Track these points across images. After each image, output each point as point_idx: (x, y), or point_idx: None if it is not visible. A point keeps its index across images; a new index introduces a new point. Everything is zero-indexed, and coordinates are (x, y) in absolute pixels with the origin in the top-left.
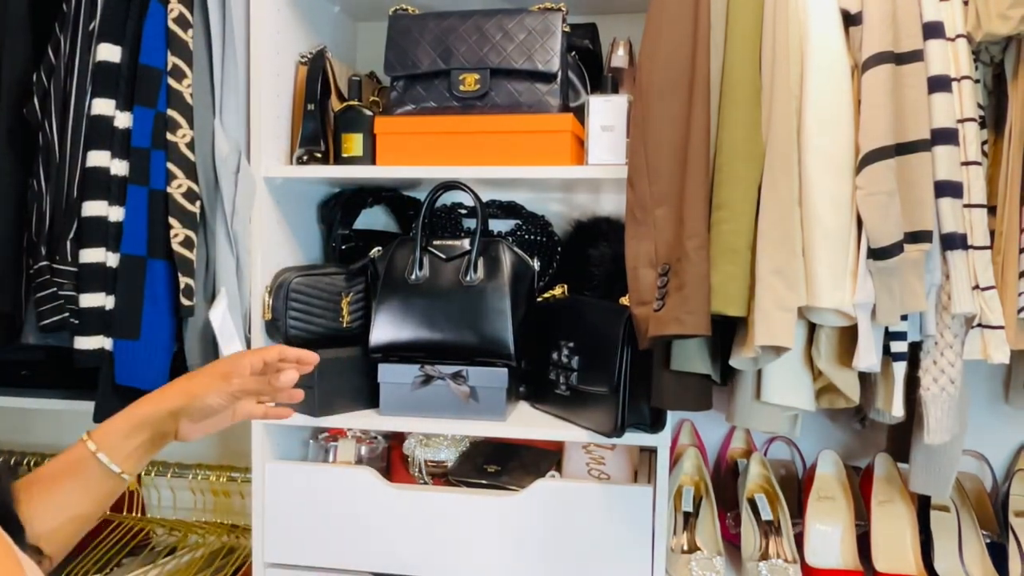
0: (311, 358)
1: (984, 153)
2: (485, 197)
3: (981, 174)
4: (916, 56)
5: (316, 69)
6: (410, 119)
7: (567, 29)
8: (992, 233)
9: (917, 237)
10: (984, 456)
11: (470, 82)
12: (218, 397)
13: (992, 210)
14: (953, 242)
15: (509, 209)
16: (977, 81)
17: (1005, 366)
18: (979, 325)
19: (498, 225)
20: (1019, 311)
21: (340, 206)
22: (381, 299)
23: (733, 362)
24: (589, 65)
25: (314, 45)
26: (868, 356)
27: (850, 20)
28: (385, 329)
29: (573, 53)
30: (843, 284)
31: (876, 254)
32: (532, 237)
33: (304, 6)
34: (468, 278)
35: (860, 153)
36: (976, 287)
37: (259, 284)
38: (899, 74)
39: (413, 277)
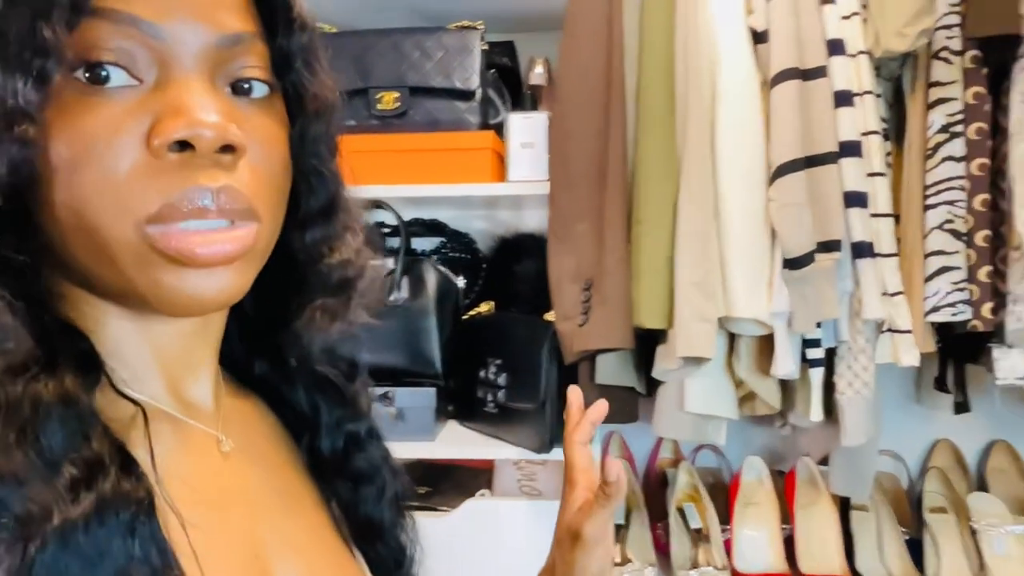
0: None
1: (888, 164)
2: (408, 216)
3: (886, 184)
4: (821, 72)
5: None
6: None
7: (485, 47)
8: (899, 241)
9: (828, 246)
10: (899, 455)
11: (388, 100)
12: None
13: (898, 219)
14: (862, 250)
15: (433, 227)
16: (879, 95)
17: (916, 368)
18: (889, 330)
19: (422, 244)
20: (926, 315)
21: None
22: None
23: (656, 373)
24: (508, 83)
25: None
26: (785, 364)
27: (758, 38)
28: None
29: (492, 71)
30: (759, 294)
31: (790, 264)
32: (457, 255)
33: None
34: (392, 298)
35: (772, 166)
36: (885, 293)
37: None
38: (805, 89)
39: None
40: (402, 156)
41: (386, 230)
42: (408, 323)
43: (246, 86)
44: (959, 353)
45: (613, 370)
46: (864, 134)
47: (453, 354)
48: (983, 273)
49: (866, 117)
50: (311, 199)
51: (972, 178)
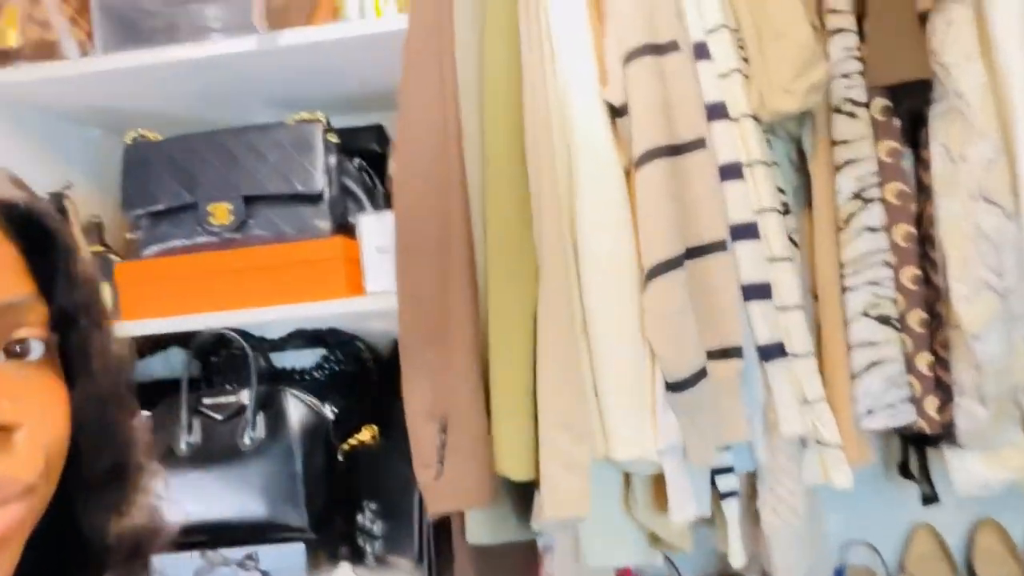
0: None
1: (794, 242)
2: (289, 327)
3: (790, 269)
4: (699, 144)
5: None
6: (157, 262)
7: (334, 140)
8: (817, 334)
9: (727, 353)
10: (873, 546)
11: (221, 214)
12: None
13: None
14: (770, 352)
15: (314, 339)
16: (774, 163)
17: (881, 440)
18: (817, 442)
19: (303, 358)
20: (858, 421)
21: None
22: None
23: (535, 526)
24: (380, 171)
25: (60, 181)
26: (684, 507)
27: (616, 112)
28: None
29: (357, 160)
30: (643, 427)
31: (672, 387)
32: (342, 367)
33: (46, 136)
34: (247, 440)
35: (643, 269)
36: (804, 400)
37: None
38: (680, 168)
39: (182, 446)
40: (242, 275)
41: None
42: (267, 468)
43: (20, 348)
44: (919, 439)
45: (485, 527)
46: (759, 212)
47: (330, 494)
48: (923, 363)
49: (759, 191)
50: (96, 461)
51: (897, 249)
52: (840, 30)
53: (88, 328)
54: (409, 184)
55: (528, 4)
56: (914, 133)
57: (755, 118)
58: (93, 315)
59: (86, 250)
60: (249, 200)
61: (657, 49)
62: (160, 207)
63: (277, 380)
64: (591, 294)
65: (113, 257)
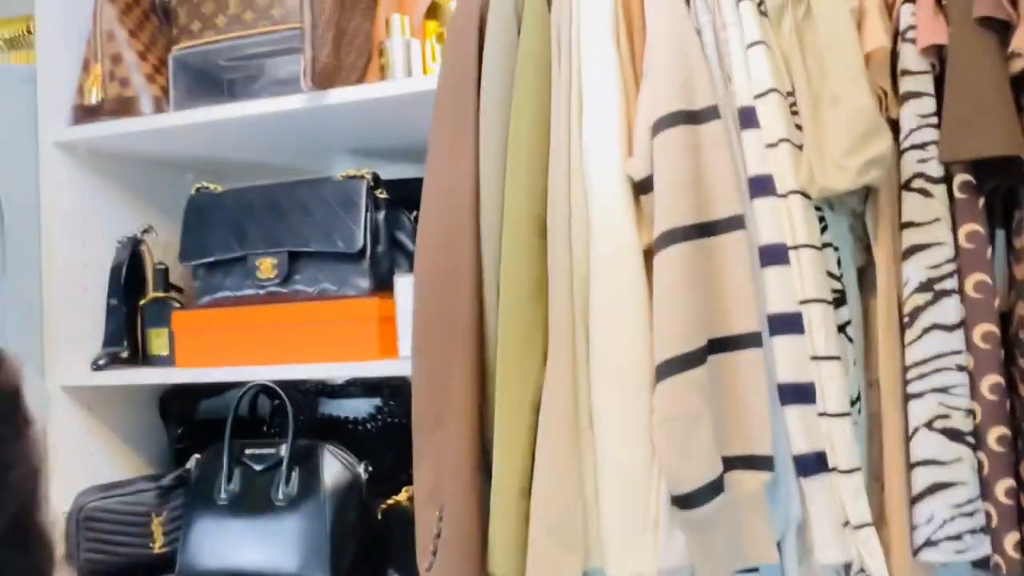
0: None
1: (849, 338)
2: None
3: (837, 369)
4: (735, 223)
5: (121, 259)
6: (208, 312)
7: (383, 195)
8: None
9: (753, 463)
10: None
11: (267, 268)
12: None
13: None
14: (808, 465)
15: (369, 388)
16: (828, 246)
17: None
18: (861, 573)
19: (358, 407)
20: (915, 552)
21: (174, 398)
22: (188, 519)
23: None
24: None
25: (144, 224)
26: None
27: (639, 187)
28: (193, 555)
29: (414, 214)
30: (644, 542)
31: (678, 501)
32: (395, 419)
33: (131, 182)
34: (279, 496)
35: (655, 363)
36: (847, 524)
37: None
38: (710, 249)
39: (222, 494)
40: (283, 329)
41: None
42: (298, 524)
43: None
44: None
45: None
46: (803, 303)
47: (359, 553)
48: (1002, 489)
49: (804, 279)
50: None
51: (976, 352)
52: (914, 94)
53: None
54: (425, 253)
55: (560, 62)
56: (1006, 216)
57: (805, 194)
58: None
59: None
60: (294, 255)
61: (692, 117)
62: (213, 259)
63: (328, 429)
64: (598, 389)
65: (175, 304)
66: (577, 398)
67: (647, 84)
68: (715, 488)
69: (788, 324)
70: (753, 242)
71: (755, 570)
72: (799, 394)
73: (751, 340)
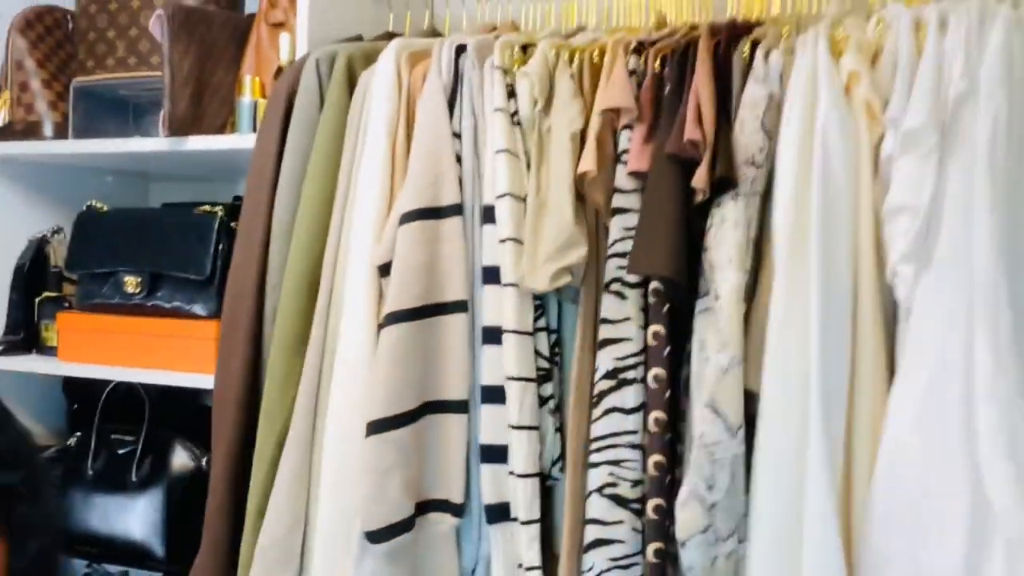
0: None
1: (550, 409)
2: None
3: (528, 438)
4: (458, 307)
5: (25, 259)
6: (85, 315)
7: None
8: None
9: (447, 507)
10: None
11: (132, 284)
12: None
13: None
14: (493, 514)
15: None
16: (542, 330)
17: None
18: None
19: None
20: None
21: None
22: (63, 488)
23: None
24: None
25: (55, 225)
26: None
27: (382, 271)
28: (63, 519)
29: None
30: (343, 565)
31: (368, 536)
32: None
33: (53, 183)
34: (133, 477)
35: (365, 422)
36: (519, 565)
37: None
38: (433, 328)
39: (89, 471)
40: (144, 339)
41: None
42: (145, 503)
43: None
44: None
45: None
46: (508, 379)
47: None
48: (651, 550)
49: (511, 359)
50: None
51: (647, 435)
52: (622, 209)
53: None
54: (228, 293)
55: (346, 148)
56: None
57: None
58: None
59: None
60: (155, 275)
61: (436, 213)
62: (91, 271)
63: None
64: (328, 436)
65: (64, 303)
66: (312, 442)
67: (406, 181)
68: (401, 528)
69: (494, 395)
70: (478, 322)
71: None
72: (494, 454)
73: (459, 407)
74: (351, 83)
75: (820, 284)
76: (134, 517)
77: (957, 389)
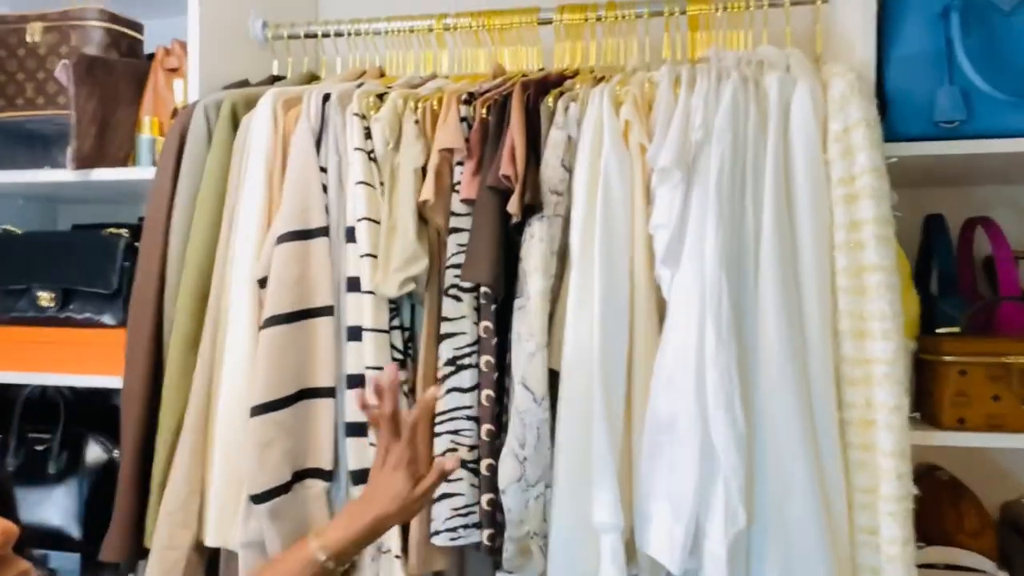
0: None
1: (404, 392)
2: None
3: None
4: (325, 311)
5: None
6: (4, 328)
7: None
8: None
9: (319, 474)
10: None
11: (46, 298)
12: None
13: None
14: (356, 477)
15: None
16: (396, 328)
17: None
18: (379, 550)
19: None
20: (429, 537)
21: None
22: None
23: None
24: None
25: None
26: None
27: (261, 283)
28: None
29: None
30: (231, 524)
31: (253, 498)
32: None
33: None
34: (51, 469)
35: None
36: None
37: None
38: (305, 329)
39: (10, 466)
40: (59, 348)
41: None
42: (64, 492)
43: None
44: None
45: None
46: (368, 368)
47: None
48: (484, 500)
49: (368, 352)
50: None
51: (481, 408)
52: (457, 229)
53: None
54: (131, 305)
55: (231, 177)
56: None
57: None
58: None
59: None
60: (68, 290)
61: (306, 234)
62: (7, 287)
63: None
64: (219, 421)
65: None
66: (206, 425)
67: (281, 206)
68: (280, 491)
69: (356, 382)
70: (343, 323)
71: None
72: (357, 430)
73: (328, 392)
74: (235, 125)
75: (601, 284)
76: (52, 506)
77: (693, 359)
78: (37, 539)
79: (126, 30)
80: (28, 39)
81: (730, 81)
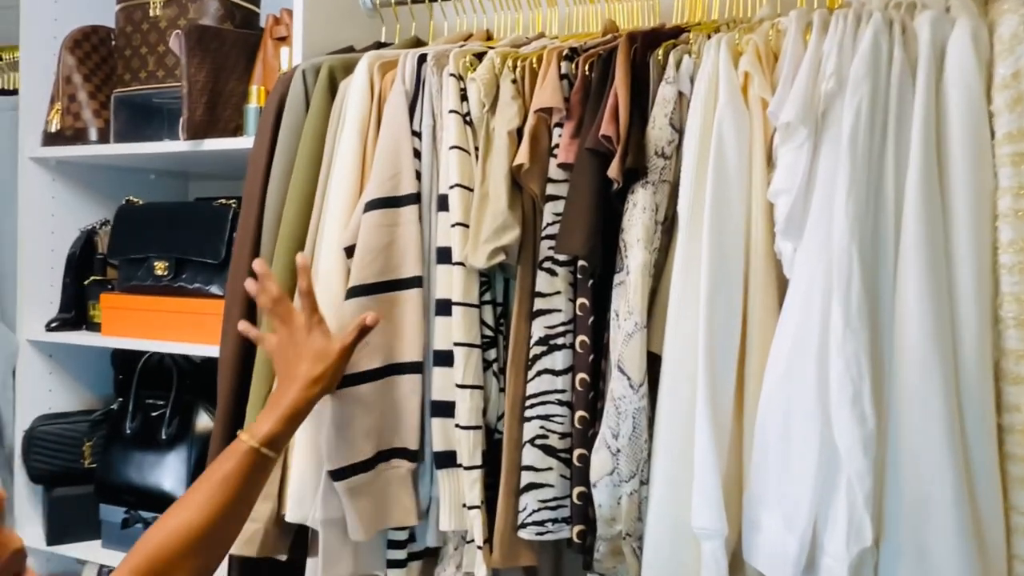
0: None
1: (495, 372)
2: None
3: (472, 396)
4: (414, 282)
5: (75, 248)
6: (123, 296)
7: None
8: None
9: (404, 454)
10: None
11: (161, 267)
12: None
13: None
14: (442, 460)
15: None
16: (488, 303)
17: None
18: (464, 540)
19: None
20: (515, 529)
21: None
22: (106, 445)
23: None
24: None
25: (103, 218)
26: (335, 567)
27: (348, 252)
28: (106, 471)
29: None
30: (311, 499)
31: (332, 474)
32: None
33: (101, 180)
34: (163, 435)
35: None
36: (463, 505)
37: (20, 431)
38: (393, 301)
39: (127, 430)
40: (174, 316)
41: None
42: (175, 457)
43: None
44: None
45: None
46: (456, 344)
47: None
48: (575, 494)
49: (458, 328)
50: None
51: (574, 393)
52: (554, 196)
53: None
54: (231, 272)
55: (328, 143)
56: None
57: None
58: None
59: None
60: (180, 260)
61: (395, 201)
62: (128, 257)
63: None
64: None
65: (108, 286)
66: None
67: (372, 172)
68: (360, 468)
69: (444, 359)
70: (431, 295)
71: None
72: (443, 409)
73: (414, 368)
74: (332, 90)
75: (709, 260)
76: (164, 470)
77: (815, 347)
78: (150, 502)
79: (241, 2)
80: (151, 13)
81: (871, 22)
